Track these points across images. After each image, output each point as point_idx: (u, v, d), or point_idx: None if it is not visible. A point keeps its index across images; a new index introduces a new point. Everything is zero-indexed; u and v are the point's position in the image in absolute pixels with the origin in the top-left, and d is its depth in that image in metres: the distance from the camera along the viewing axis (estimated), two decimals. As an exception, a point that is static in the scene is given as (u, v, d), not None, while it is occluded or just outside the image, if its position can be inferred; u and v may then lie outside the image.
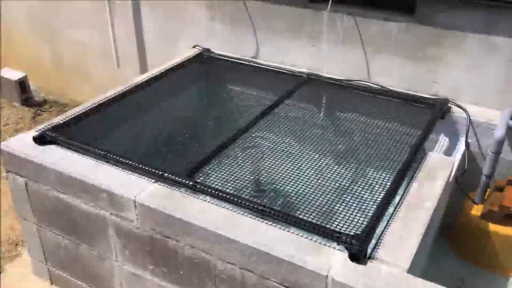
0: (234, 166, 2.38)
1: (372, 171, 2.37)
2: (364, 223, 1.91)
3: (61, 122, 2.63)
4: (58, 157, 2.40)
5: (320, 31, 3.13)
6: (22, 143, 2.50)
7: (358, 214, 2.01)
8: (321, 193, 2.18)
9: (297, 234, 1.91)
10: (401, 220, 1.98)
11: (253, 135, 2.67)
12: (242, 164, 2.41)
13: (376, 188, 2.19)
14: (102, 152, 2.36)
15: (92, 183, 2.23)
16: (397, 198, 2.09)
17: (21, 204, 2.63)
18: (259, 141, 2.69)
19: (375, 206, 2.00)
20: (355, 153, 2.53)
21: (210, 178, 2.25)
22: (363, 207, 2.07)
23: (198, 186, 2.12)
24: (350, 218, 1.98)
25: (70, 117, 2.69)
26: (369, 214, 1.98)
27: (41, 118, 4.88)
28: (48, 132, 2.52)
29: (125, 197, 2.14)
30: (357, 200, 2.13)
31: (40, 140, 2.50)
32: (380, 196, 2.07)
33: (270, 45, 3.40)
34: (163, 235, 2.12)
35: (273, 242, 1.87)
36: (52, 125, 2.60)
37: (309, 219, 1.94)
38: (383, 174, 2.30)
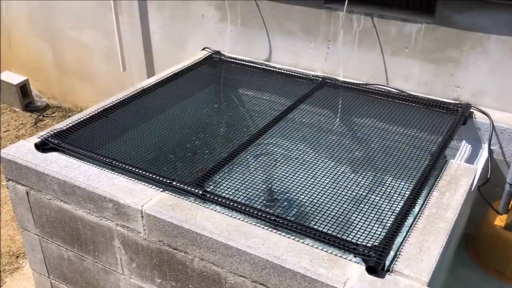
0: (246, 174, 2.41)
1: (390, 179, 2.38)
2: (382, 234, 1.93)
3: (64, 128, 2.69)
4: (61, 165, 2.44)
5: (336, 32, 3.17)
6: (23, 150, 2.55)
7: (375, 225, 2.03)
8: (337, 202, 2.21)
9: (311, 246, 1.93)
10: (421, 231, 2.00)
11: (266, 142, 2.70)
12: (254, 172, 2.44)
13: (394, 197, 2.21)
14: (107, 160, 2.40)
15: (96, 192, 2.27)
16: (417, 208, 2.11)
17: (22, 214, 2.68)
18: (272, 148, 2.72)
19: (393, 216, 2.02)
20: (372, 161, 2.55)
21: (221, 187, 2.28)
22: (381, 217, 2.09)
23: (208, 195, 2.15)
24: (367, 229, 2.00)
25: (73, 123, 2.74)
26: (387, 224, 2.00)
27: (43, 123, 4.96)
28: (50, 139, 2.57)
29: (132, 207, 2.18)
30: (375, 209, 2.15)
31: (42, 147, 2.55)
32: (399, 206, 2.09)
33: (283, 47, 3.44)
34: (171, 247, 2.16)
35: (286, 253, 1.90)
36: (55, 131, 2.65)
37: (325, 230, 1.97)
38: (402, 183, 2.31)
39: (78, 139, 2.62)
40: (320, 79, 3.20)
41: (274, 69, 3.36)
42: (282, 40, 3.41)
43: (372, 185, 2.39)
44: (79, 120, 2.76)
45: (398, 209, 2.07)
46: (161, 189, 2.25)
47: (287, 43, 3.40)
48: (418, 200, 2.13)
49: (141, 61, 4.19)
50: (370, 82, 3.15)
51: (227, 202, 2.11)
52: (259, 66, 3.42)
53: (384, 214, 2.10)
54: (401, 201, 2.12)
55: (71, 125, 2.71)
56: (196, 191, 2.17)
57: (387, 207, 2.16)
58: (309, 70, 3.35)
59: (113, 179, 2.34)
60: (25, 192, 2.56)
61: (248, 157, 2.57)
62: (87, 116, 2.80)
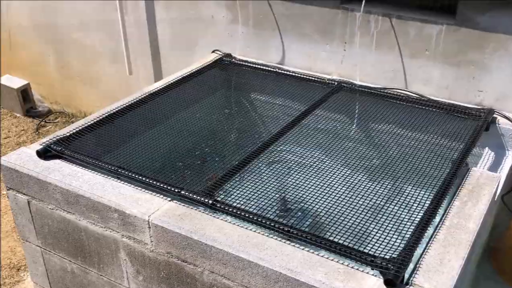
0: (258, 183, 2.43)
1: (409, 188, 2.40)
2: (401, 245, 1.95)
3: (68, 134, 2.73)
4: (64, 173, 2.49)
5: (352, 34, 3.21)
6: (24, 158, 2.60)
7: (394, 236, 2.05)
8: (353, 212, 2.23)
9: (327, 258, 1.96)
10: (442, 242, 2.02)
11: (279, 149, 2.73)
12: (267, 181, 2.47)
13: (414, 206, 2.23)
14: (112, 168, 2.45)
15: (101, 202, 2.32)
16: (438, 218, 2.13)
17: (23, 225, 2.73)
18: (286, 155, 2.75)
19: (413, 227, 2.04)
20: (390, 168, 2.56)
21: (232, 196, 2.30)
22: (400, 228, 2.11)
23: (218, 205, 2.18)
24: (385, 240, 2.02)
25: (77, 129, 2.79)
26: (406, 235, 2.02)
27: (45, 130, 5.03)
28: (53, 146, 2.62)
29: (138, 217, 2.22)
30: (393, 220, 2.17)
31: (44, 154, 2.60)
32: (419, 216, 2.11)
33: (297, 50, 3.48)
34: (180, 259, 2.19)
35: (300, 266, 1.92)
36: (58, 137, 2.70)
37: (340, 241, 1.99)
38: (421, 192, 2.33)
39: (82, 146, 2.67)
40: (336, 83, 3.23)
41: (288, 73, 3.41)
42: (296, 42, 3.45)
43: (390, 194, 2.41)
44: (83, 126, 2.81)
45: (418, 219, 2.08)
46: (169, 199, 2.29)
47: (301, 45, 3.44)
48: (439, 210, 2.15)
49: (148, 65, 4.25)
50: (388, 86, 3.18)
51: (238, 212, 2.13)
52: (272, 69, 3.47)
53: (403, 225, 2.12)
54: (421, 211, 2.14)
55: (74, 131, 2.76)
56: (206, 200, 2.20)
57: (406, 217, 2.18)
58: (325, 73, 3.38)
59: (119, 188, 2.38)
60: (26, 201, 2.60)
61: (260, 164, 2.60)
62: (92, 121, 2.85)
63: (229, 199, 2.28)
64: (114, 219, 2.30)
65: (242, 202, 2.26)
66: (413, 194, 2.32)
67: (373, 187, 2.45)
